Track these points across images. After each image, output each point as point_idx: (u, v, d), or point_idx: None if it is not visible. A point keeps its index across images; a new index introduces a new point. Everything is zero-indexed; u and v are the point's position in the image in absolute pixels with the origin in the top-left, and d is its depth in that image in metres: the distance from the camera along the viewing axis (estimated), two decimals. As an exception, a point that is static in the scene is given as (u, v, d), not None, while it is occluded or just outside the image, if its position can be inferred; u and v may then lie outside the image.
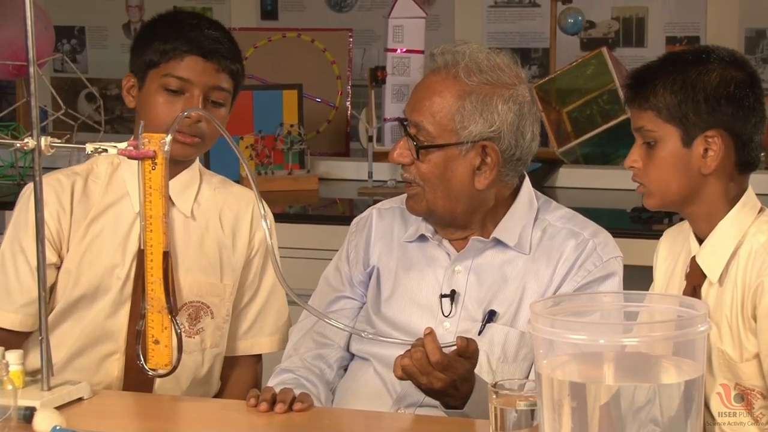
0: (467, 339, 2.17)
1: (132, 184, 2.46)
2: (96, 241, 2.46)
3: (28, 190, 2.47)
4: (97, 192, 2.49)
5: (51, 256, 2.42)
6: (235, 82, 2.48)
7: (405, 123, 2.36)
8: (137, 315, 2.40)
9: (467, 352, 2.17)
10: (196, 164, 2.55)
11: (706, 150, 2.12)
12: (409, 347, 2.16)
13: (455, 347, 2.16)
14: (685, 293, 2.18)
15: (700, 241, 2.18)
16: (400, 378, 2.19)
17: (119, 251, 2.46)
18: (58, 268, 2.45)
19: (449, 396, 2.19)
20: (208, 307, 2.50)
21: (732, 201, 2.15)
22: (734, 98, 2.11)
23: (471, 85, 2.31)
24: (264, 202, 2.18)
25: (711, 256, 2.15)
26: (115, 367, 2.46)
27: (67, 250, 2.45)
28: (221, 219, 2.53)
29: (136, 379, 2.42)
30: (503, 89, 2.32)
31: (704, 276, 2.17)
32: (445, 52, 2.36)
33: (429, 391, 2.19)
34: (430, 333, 2.15)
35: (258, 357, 2.65)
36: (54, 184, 2.45)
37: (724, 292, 2.14)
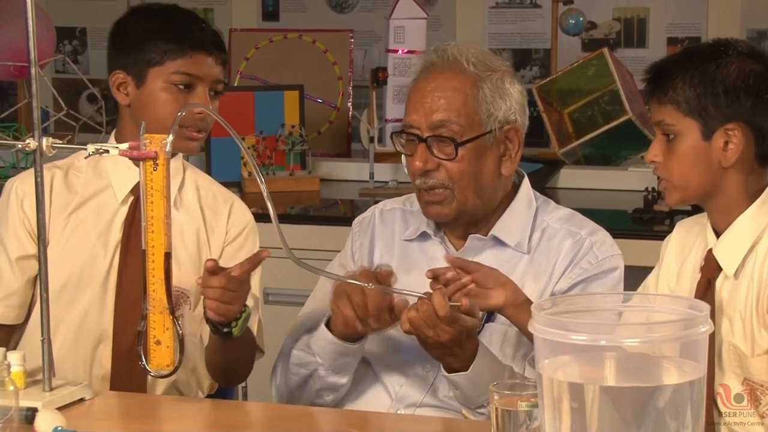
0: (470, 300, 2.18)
1: (115, 174, 2.48)
2: (78, 231, 2.47)
3: (9, 184, 2.51)
4: (80, 184, 2.51)
5: (30, 248, 2.44)
6: (225, 72, 2.54)
7: (412, 133, 2.34)
8: (122, 307, 2.43)
9: (472, 312, 2.17)
10: (180, 155, 2.56)
11: (726, 143, 2.12)
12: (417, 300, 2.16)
13: (460, 305, 2.16)
14: (699, 285, 2.18)
15: (718, 234, 2.18)
16: (407, 332, 2.19)
17: (101, 241, 2.47)
18: None
19: (454, 355, 2.20)
20: (188, 297, 2.49)
21: (752, 196, 2.16)
22: (754, 91, 2.12)
23: (479, 74, 2.33)
24: (271, 201, 2.15)
25: (728, 249, 2.16)
26: (109, 359, 2.46)
27: (48, 241, 2.46)
28: (202, 213, 2.54)
29: (126, 370, 2.42)
30: (504, 73, 2.36)
31: (720, 269, 2.17)
32: (438, 50, 2.37)
33: (435, 346, 2.19)
34: (440, 288, 2.16)
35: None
36: (34, 177, 2.45)
37: (739, 286, 2.14)
